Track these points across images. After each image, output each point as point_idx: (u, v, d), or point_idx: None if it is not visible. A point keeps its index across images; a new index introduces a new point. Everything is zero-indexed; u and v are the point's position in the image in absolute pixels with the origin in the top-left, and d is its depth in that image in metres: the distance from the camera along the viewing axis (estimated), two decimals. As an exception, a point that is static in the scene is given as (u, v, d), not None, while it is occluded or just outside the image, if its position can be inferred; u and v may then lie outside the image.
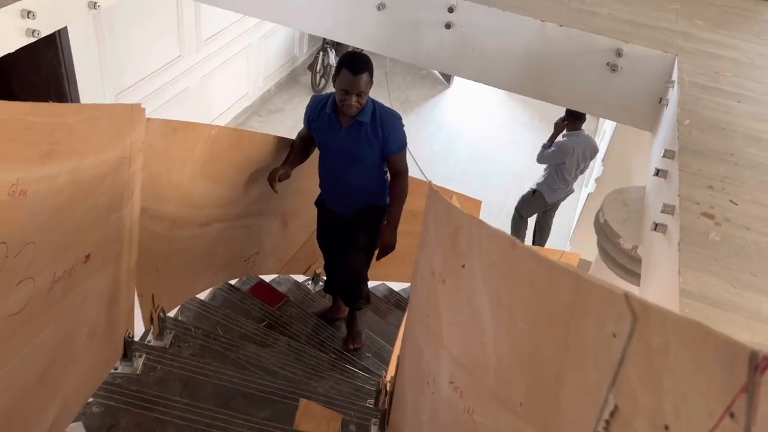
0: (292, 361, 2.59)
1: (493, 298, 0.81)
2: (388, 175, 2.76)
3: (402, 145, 2.65)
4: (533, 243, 5.28)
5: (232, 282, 3.26)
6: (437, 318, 1.11)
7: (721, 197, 1.97)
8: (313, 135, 2.71)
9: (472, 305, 0.89)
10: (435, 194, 1.27)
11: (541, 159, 4.83)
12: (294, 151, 2.75)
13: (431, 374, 1.19)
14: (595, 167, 5.54)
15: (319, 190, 2.89)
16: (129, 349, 2.11)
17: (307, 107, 2.75)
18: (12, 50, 2.58)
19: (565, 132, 4.81)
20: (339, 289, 3.15)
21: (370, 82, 2.52)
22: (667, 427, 0.47)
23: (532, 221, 5.34)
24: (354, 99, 2.46)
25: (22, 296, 1.15)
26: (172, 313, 2.66)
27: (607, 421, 0.53)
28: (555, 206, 5.13)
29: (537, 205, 5.08)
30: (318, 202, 2.93)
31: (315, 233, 3.05)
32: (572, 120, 4.74)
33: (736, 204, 2.01)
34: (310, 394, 2.25)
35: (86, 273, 1.50)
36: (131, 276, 2.00)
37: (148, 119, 1.83)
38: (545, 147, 4.85)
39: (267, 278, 3.53)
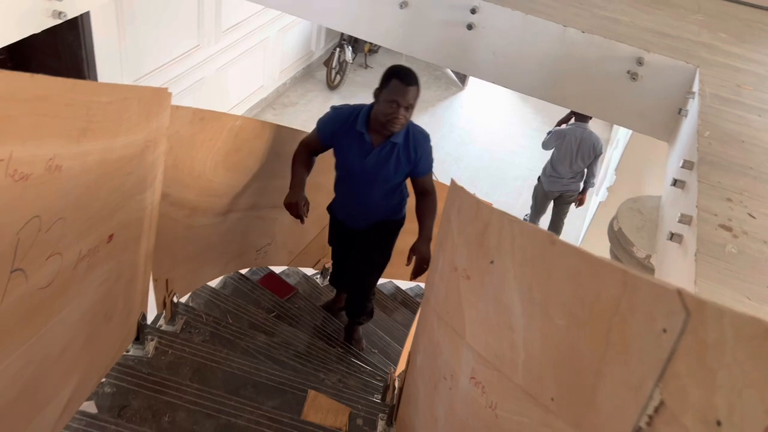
0: (300, 352, 2.60)
1: (525, 294, 0.82)
2: (407, 188, 2.65)
3: (431, 166, 2.52)
4: None
5: (243, 271, 3.28)
6: (459, 314, 1.12)
7: (739, 210, 1.97)
8: (330, 150, 2.52)
9: (501, 301, 0.90)
10: (459, 191, 1.27)
11: (543, 144, 5.12)
12: (300, 170, 2.50)
13: (449, 370, 1.19)
14: (607, 175, 5.53)
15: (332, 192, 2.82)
16: (142, 332, 2.12)
17: (327, 119, 2.48)
18: (38, 31, 2.60)
19: (570, 122, 5.03)
20: (344, 290, 3.16)
21: (418, 97, 2.36)
22: (719, 423, 0.48)
23: (546, 219, 5.50)
24: (402, 112, 2.29)
25: (51, 271, 1.16)
26: (183, 299, 2.68)
27: (651, 417, 0.54)
28: (562, 201, 5.29)
29: (539, 191, 5.39)
30: (331, 210, 2.80)
31: (326, 228, 3.01)
32: (579, 113, 4.92)
33: (754, 218, 2.01)
34: (318, 385, 2.26)
35: (108, 253, 1.52)
36: (148, 259, 2.02)
37: (178, 106, 1.85)
38: (548, 133, 5.16)
39: (277, 270, 3.55)
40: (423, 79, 7.91)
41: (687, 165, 2.26)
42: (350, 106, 2.48)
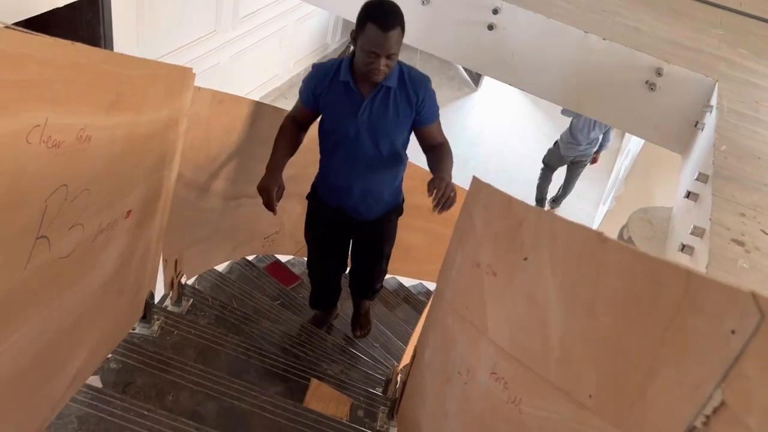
0: (303, 341, 2.60)
1: (566, 291, 0.82)
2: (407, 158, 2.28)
3: (438, 113, 2.12)
4: (558, 194, 6.09)
5: (249, 258, 3.28)
6: (481, 309, 1.12)
7: (752, 225, 1.97)
8: (318, 113, 2.14)
9: (534, 297, 0.90)
10: (486, 188, 1.28)
11: (562, 111, 5.42)
12: (281, 149, 2.12)
13: (465, 365, 1.20)
14: (617, 185, 5.53)
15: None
16: (149, 310, 2.12)
17: (307, 78, 2.10)
18: (61, 5, 2.60)
19: None
20: (335, 299, 2.81)
21: (402, 38, 1.92)
22: None
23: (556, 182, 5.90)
24: (383, 62, 1.89)
25: (72, 241, 1.17)
26: (190, 282, 2.68)
27: (708, 417, 0.54)
28: (576, 165, 5.68)
29: (555, 155, 5.72)
30: (316, 196, 2.35)
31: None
32: None
33: (767, 234, 2.01)
34: (320, 375, 2.27)
35: (126, 228, 1.52)
36: (161, 239, 2.02)
37: (199, 88, 1.85)
38: None
39: (282, 258, 3.55)
40: (436, 78, 7.92)
41: (702, 178, 2.26)
42: (333, 59, 2.10)
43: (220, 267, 3.04)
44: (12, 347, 1.08)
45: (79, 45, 0.91)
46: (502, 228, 1.09)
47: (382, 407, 2.21)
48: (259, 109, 2.39)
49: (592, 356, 0.74)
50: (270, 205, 2.07)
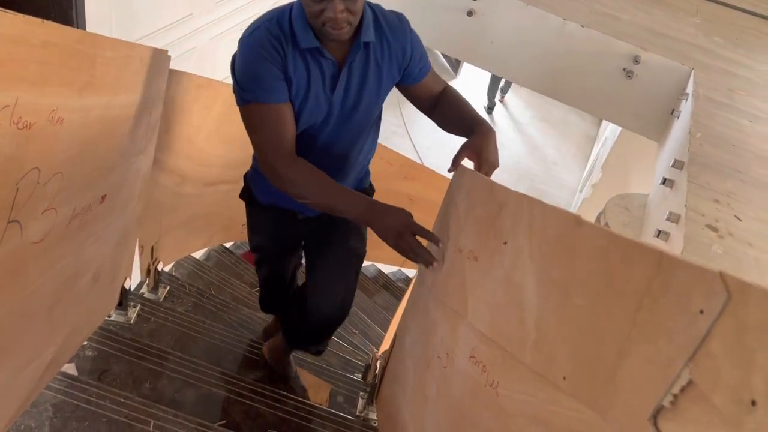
0: (282, 328, 2.59)
1: (542, 274, 0.82)
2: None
3: (427, 55, 1.58)
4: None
5: (227, 245, 3.26)
6: (461, 294, 1.12)
7: (726, 212, 2.01)
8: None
9: (512, 281, 0.90)
10: (469, 174, 1.27)
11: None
12: (329, 181, 1.42)
13: (444, 349, 1.20)
14: (593, 172, 5.58)
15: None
16: (125, 297, 2.10)
17: (253, 62, 1.36)
18: (31, -15, 2.53)
19: None
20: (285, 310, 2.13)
21: None
22: (754, 403, 0.48)
23: None
24: (339, 6, 1.27)
25: (45, 225, 1.14)
26: (167, 269, 2.65)
27: (676, 395, 0.55)
28: None
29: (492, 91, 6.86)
30: (257, 199, 1.77)
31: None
32: None
33: (741, 220, 2.04)
34: (300, 362, 2.26)
35: (101, 214, 1.49)
36: (137, 224, 1.99)
37: (175, 71, 1.82)
38: None
39: (261, 246, 3.53)
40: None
41: (677, 165, 2.29)
42: (261, 21, 1.40)
43: (198, 254, 3.01)
44: (-16, 334, 1.05)
45: (51, 24, 0.89)
46: (483, 213, 1.09)
47: (361, 393, 2.21)
48: (236, 93, 2.36)
49: (567, 338, 0.75)
50: (422, 251, 1.28)
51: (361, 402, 2.17)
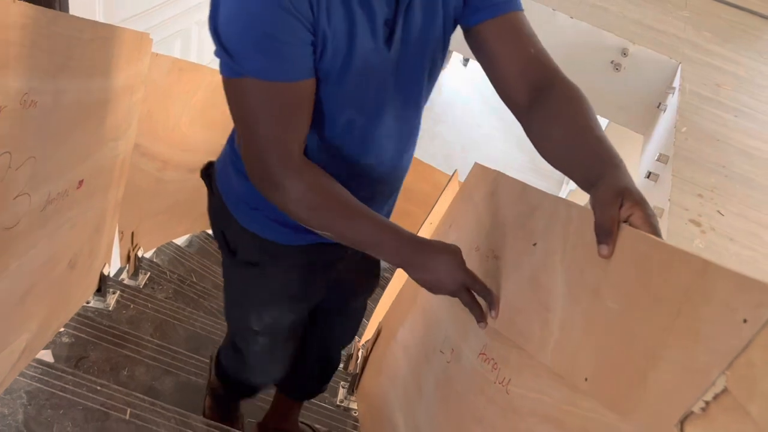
0: (264, 316, 2.58)
1: (573, 276, 0.82)
2: None
3: None
4: None
5: (209, 231, 3.23)
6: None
7: (709, 206, 2.02)
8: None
9: (539, 282, 0.90)
10: (495, 175, 1.27)
11: None
12: (357, 204, 0.97)
13: (448, 345, 1.20)
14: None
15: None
16: (104, 284, 2.07)
17: (253, 20, 0.83)
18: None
19: None
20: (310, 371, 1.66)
21: None
22: None
23: None
24: None
25: (18, 211, 1.11)
26: (147, 255, 2.62)
27: (707, 402, 0.55)
28: None
29: None
30: (270, 251, 1.19)
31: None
32: None
33: (723, 215, 2.05)
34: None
35: (77, 199, 1.46)
36: (116, 210, 1.96)
37: (157, 54, 1.79)
38: None
39: (244, 232, 3.50)
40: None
41: (662, 159, 2.30)
42: None
43: (180, 240, 2.98)
44: (-48, 321, 1.03)
45: (21, 3, 0.86)
46: (511, 214, 1.09)
47: (342, 382, 2.21)
48: (219, 78, 2.32)
49: (593, 340, 0.75)
50: (476, 309, 0.99)
51: (341, 391, 2.17)
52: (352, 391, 2.11)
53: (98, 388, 1.63)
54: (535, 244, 0.96)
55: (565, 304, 0.83)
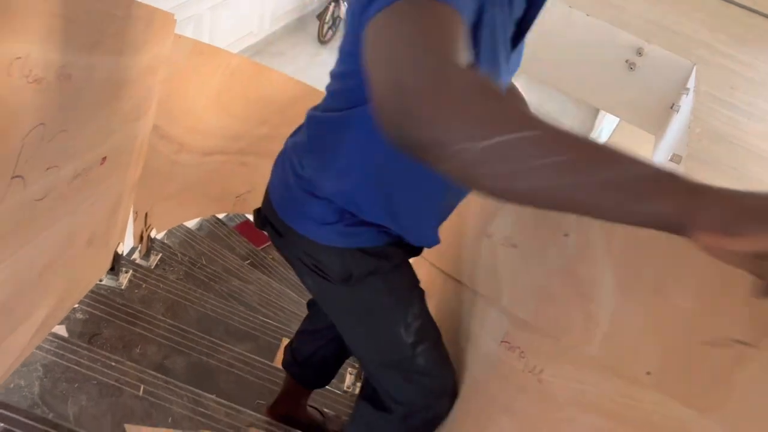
0: (272, 301, 2.59)
1: (626, 272, 0.84)
2: None
3: None
4: None
5: (219, 216, 3.24)
6: (491, 279, 1.14)
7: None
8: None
9: (576, 273, 0.92)
10: None
11: None
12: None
13: (464, 332, 1.22)
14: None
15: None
16: (117, 263, 2.08)
17: None
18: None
19: None
20: None
21: None
22: None
23: None
24: None
25: (47, 184, 1.13)
26: (159, 236, 2.64)
27: None
28: None
29: None
30: (384, 250, 1.13)
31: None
32: None
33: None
34: (290, 335, 2.27)
35: (100, 176, 1.48)
36: (132, 190, 1.97)
37: (179, 36, 1.80)
38: None
39: (252, 218, 3.52)
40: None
41: (675, 159, 2.30)
42: None
43: (190, 223, 3.00)
44: (-18, 289, 1.05)
45: (65, -24, 0.87)
46: None
47: (350, 369, 2.23)
48: (238, 63, 2.33)
49: (657, 335, 0.76)
50: None
51: (349, 377, 2.19)
52: (360, 377, 2.13)
53: (112, 364, 1.65)
54: (566, 235, 0.97)
55: (615, 299, 0.84)
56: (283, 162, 1.17)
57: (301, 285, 2.99)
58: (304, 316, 2.55)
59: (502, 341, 1.05)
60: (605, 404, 0.83)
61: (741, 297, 0.66)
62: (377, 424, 1.28)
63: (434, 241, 1.15)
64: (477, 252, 1.25)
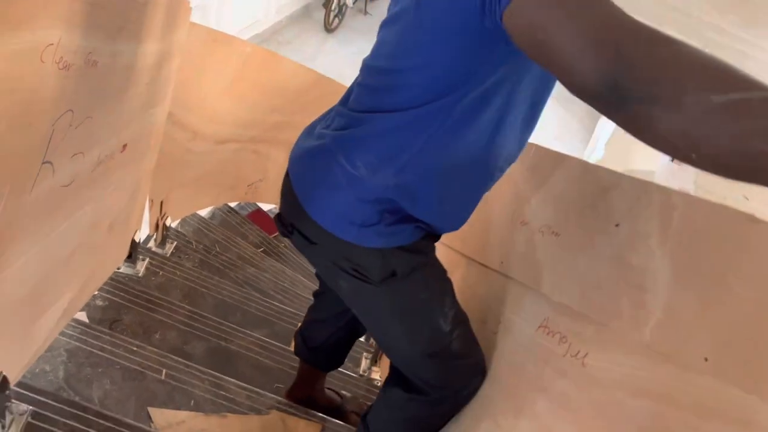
0: (287, 287, 2.62)
1: (683, 263, 0.86)
2: None
3: None
4: None
5: (232, 204, 3.26)
6: (530, 266, 1.17)
7: (737, 190, 2.03)
8: None
9: (628, 263, 0.95)
10: (534, 149, 1.29)
11: None
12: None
13: (494, 316, 1.24)
14: (596, 150, 5.59)
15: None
16: (135, 250, 2.11)
17: None
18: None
19: None
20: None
21: None
22: None
23: None
24: None
25: (74, 169, 1.14)
26: (173, 225, 2.66)
27: None
28: None
29: None
30: (426, 240, 1.16)
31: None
32: None
33: (747, 199, 2.06)
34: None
35: (121, 163, 1.50)
36: (149, 178, 1.99)
37: (194, 24, 1.81)
38: None
39: (264, 207, 3.54)
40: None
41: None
42: None
43: (203, 212, 3.02)
44: (14, 275, 1.06)
45: (94, -38, 0.88)
46: (574, 193, 1.12)
47: (365, 353, 2.25)
48: (251, 51, 2.34)
49: (713, 323, 0.78)
50: None
51: (365, 362, 2.21)
52: (375, 362, 2.15)
53: (135, 348, 1.68)
54: (617, 225, 0.99)
55: (671, 288, 0.86)
56: (328, 164, 1.08)
57: (311, 272, 3.00)
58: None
59: (539, 326, 1.07)
60: (657, 388, 0.84)
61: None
62: (410, 406, 1.31)
63: (460, 226, 1.16)
64: (510, 239, 1.27)
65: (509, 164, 1.09)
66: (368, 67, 1.06)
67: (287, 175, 1.20)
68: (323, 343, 1.65)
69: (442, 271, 1.21)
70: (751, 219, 0.79)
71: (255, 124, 2.72)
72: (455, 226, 1.14)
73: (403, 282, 1.11)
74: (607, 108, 0.62)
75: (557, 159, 1.25)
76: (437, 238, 1.19)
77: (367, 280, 1.11)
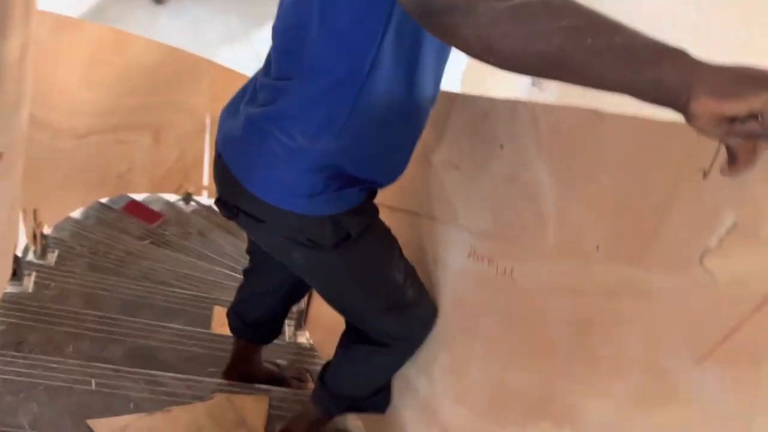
0: (187, 274, 2.54)
1: (558, 167, 0.93)
2: None
3: None
4: None
5: (103, 201, 3.07)
6: (442, 201, 1.22)
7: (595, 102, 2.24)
8: None
9: (519, 179, 1.01)
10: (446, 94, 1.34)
11: None
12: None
13: (430, 256, 1.30)
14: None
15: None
16: (19, 267, 1.95)
17: None
18: None
19: None
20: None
21: None
22: None
23: None
24: None
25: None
26: (47, 232, 2.47)
27: (721, 239, 0.66)
28: None
29: None
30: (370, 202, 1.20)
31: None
32: None
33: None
34: (219, 303, 2.26)
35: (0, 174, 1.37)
36: (21, 186, 1.83)
37: (41, 11, 1.66)
38: None
39: (137, 197, 3.36)
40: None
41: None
42: None
43: (74, 214, 2.82)
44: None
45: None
46: (460, 124, 1.17)
47: (287, 321, 2.26)
48: (100, 33, 2.19)
49: (595, 213, 0.86)
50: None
51: (288, 329, 2.23)
52: (300, 326, 2.18)
53: (54, 365, 1.58)
54: (502, 146, 1.06)
55: (556, 192, 0.95)
56: (263, 140, 1.06)
57: (212, 254, 2.94)
58: (223, 283, 2.54)
59: (468, 254, 1.14)
60: (570, 283, 0.94)
61: (664, 165, 0.77)
62: (374, 359, 1.36)
63: (400, 175, 1.18)
64: (424, 181, 1.32)
65: (433, 103, 1.11)
66: (276, 30, 1.06)
67: (219, 159, 1.16)
68: (261, 317, 1.65)
69: (386, 227, 1.24)
70: (596, 113, 0.85)
71: (115, 110, 2.57)
72: (396, 175, 1.17)
73: (357, 243, 1.13)
74: (426, 22, 0.70)
75: (445, 98, 1.32)
76: (375, 195, 1.21)
77: (322, 247, 1.12)
